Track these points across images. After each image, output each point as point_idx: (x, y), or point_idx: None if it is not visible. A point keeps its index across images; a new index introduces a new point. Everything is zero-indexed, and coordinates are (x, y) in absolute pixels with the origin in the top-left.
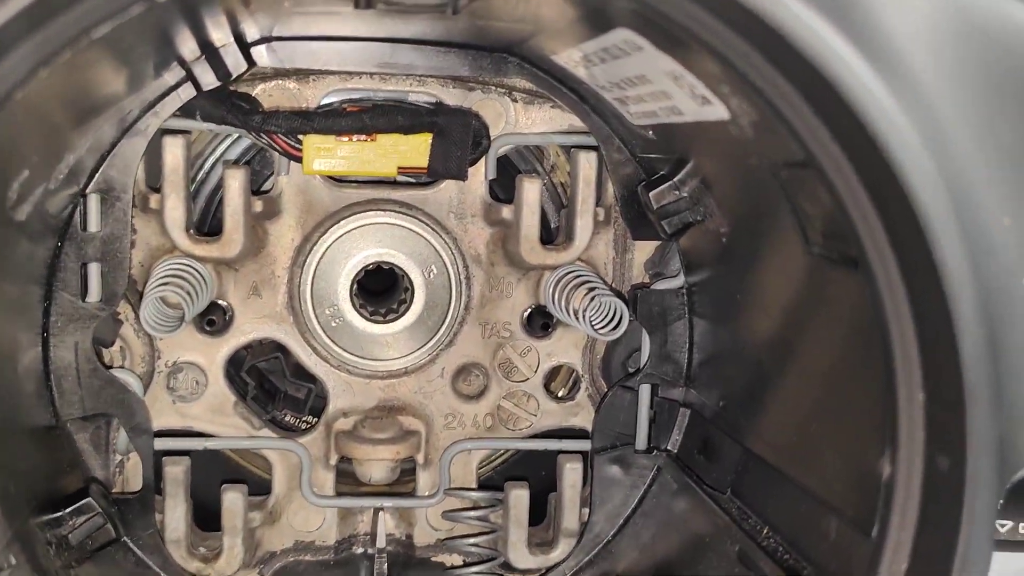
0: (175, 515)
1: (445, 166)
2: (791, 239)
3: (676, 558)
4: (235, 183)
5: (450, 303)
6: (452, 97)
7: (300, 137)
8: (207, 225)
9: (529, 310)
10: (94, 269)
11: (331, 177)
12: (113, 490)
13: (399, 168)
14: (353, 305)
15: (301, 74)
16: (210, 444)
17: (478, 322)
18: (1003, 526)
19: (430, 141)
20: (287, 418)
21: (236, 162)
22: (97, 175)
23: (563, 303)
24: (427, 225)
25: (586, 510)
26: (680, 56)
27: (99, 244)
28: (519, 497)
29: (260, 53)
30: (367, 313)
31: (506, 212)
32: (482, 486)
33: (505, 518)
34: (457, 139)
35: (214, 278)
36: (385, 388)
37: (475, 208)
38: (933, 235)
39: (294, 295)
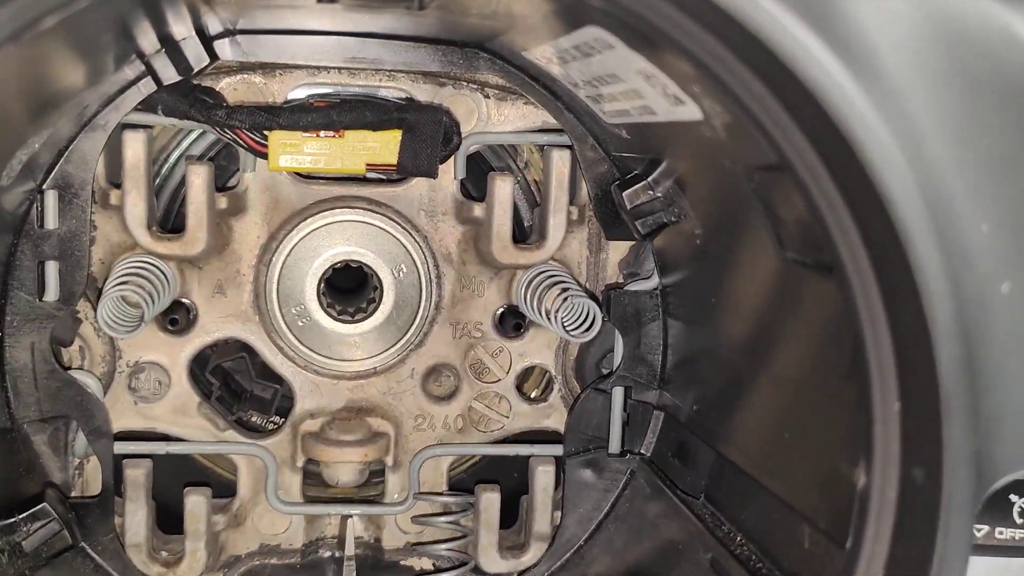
0: (136, 519)
1: (415, 163)
2: (765, 243)
3: (648, 564)
4: (198, 179)
5: (420, 302)
6: (423, 93)
7: (266, 133)
8: (171, 222)
9: (501, 310)
10: (51, 267)
11: (298, 173)
12: (72, 494)
13: (368, 165)
14: (320, 304)
15: (267, 68)
16: (172, 448)
17: (449, 322)
18: (979, 530)
19: (399, 138)
20: (253, 419)
21: (201, 158)
22: (54, 171)
23: (535, 303)
24: (397, 223)
25: (558, 513)
26: (652, 55)
27: (56, 242)
28: (490, 500)
29: (223, 47)
30: (335, 312)
31: (478, 210)
32: (453, 488)
33: (476, 522)
34: (427, 136)
35: (177, 276)
36: (353, 389)
37: (446, 206)
38: (909, 242)
39: (260, 294)
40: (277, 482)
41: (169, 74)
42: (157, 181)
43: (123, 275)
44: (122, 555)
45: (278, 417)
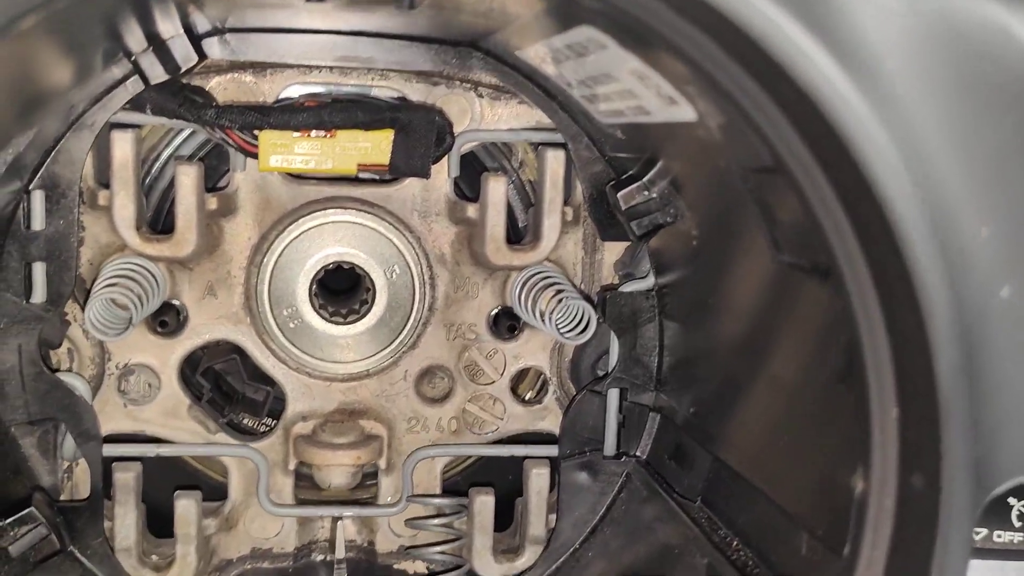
0: (126, 523)
1: (408, 163)
2: (761, 245)
3: (644, 569)
4: (187, 180)
5: (413, 304)
6: (416, 92)
7: (256, 133)
8: (161, 223)
9: (495, 311)
10: (39, 268)
11: (290, 174)
12: (61, 497)
13: (359, 165)
14: (312, 306)
15: (258, 67)
16: (163, 451)
17: (443, 323)
18: (977, 534)
19: (392, 138)
20: (244, 421)
21: (190, 158)
22: (41, 171)
23: (530, 305)
24: (389, 224)
25: (553, 516)
26: (645, 55)
27: (44, 243)
28: (484, 504)
29: (212, 45)
30: (327, 314)
31: (472, 210)
32: (447, 491)
33: (470, 525)
34: (420, 136)
35: (167, 278)
36: (346, 391)
37: (439, 206)
38: (908, 246)
39: (251, 295)
40: (269, 485)
41: (157, 73)
42: (147, 181)
43: (112, 277)
44: (112, 559)
45: (270, 419)
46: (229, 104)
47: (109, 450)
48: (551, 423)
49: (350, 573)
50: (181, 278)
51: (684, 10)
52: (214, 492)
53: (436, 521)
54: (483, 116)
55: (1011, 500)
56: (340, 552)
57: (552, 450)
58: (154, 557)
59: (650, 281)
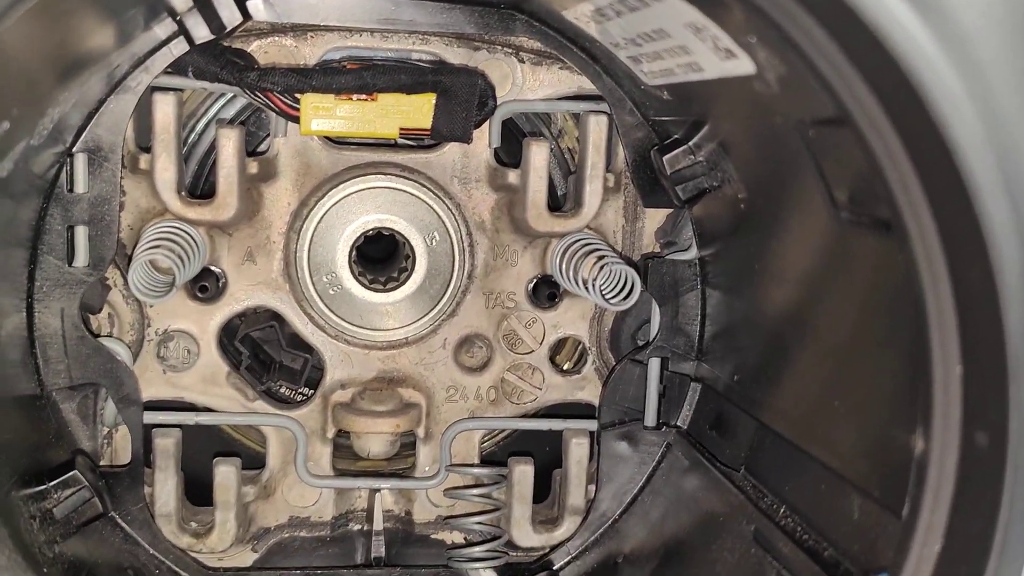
0: (165, 489)
1: (449, 128)
2: (816, 203)
3: (687, 537)
4: (229, 143)
5: (453, 271)
6: (457, 57)
7: (298, 96)
8: (200, 188)
9: (535, 279)
10: (81, 232)
11: (329, 139)
12: (101, 463)
13: (401, 129)
14: (352, 272)
15: (299, 30)
16: (201, 419)
17: (482, 292)
18: None
19: (434, 101)
20: (283, 390)
21: (231, 122)
22: (84, 133)
23: (571, 272)
24: (429, 190)
25: (592, 487)
26: (705, 6)
27: (86, 206)
28: (523, 473)
29: (256, 6)
30: (366, 281)
31: (512, 177)
32: (485, 461)
33: (509, 495)
34: (462, 99)
35: (207, 243)
36: (385, 359)
37: (480, 172)
38: (978, 197)
39: (290, 261)
40: (307, 453)
41: (201, 33)
42: (185, 147)
43: (154, 239)
44: (151, 525)
45: (308, 388)
46: (271, 66)
47: (149, 417)
48: (590, 393)
49: (388, 543)
50: (220, 243)
51: None
52: (252, 461)
53: (474, 491)
54: (524, 82)
55: None
56: (378, 523)
57: (591, 422)
58: (193, 524)
59: (693, 251)
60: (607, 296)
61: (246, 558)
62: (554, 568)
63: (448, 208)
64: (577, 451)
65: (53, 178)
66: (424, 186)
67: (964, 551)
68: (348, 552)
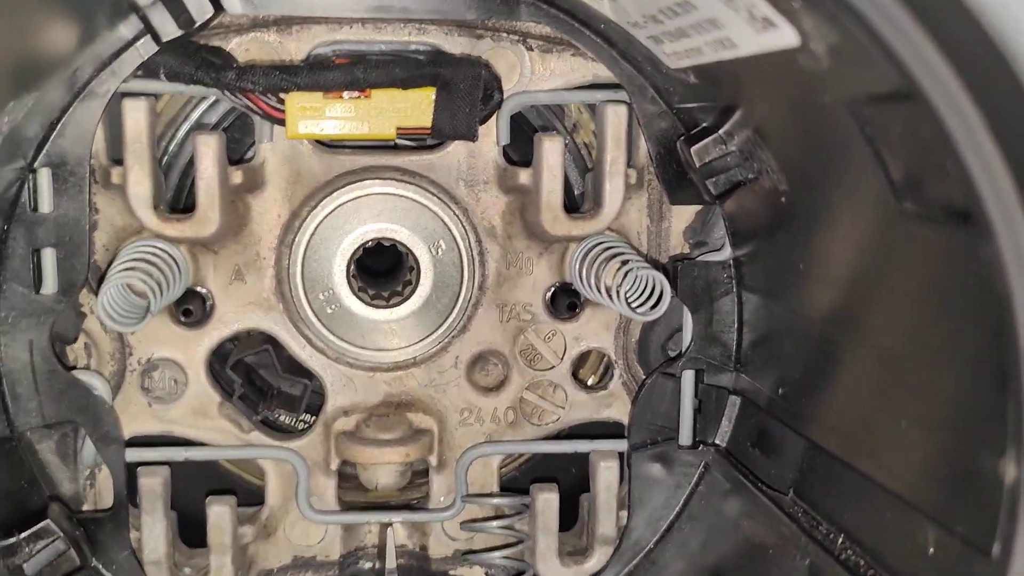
0: (154, 533)
1: (452, 125)
2: (872, 193)
3: (731, 570)
4: (208, 151)
5: (462, 283)
6: (458, 47)
7: (282, 96)
8: (183, 202)
9: (553, 288)
10: (48, 255)
11: (321, 142)
12: (84, 506)
13: (399, 129)
14: (351, 288)
15: (282, 24)
16: (192, 454)
17: (495, 304)
18: None
19: (433, 96)
20: (281, 418)
21: (213, 128)
22: (47, 146)
23: (592, 279)
24: (433, 195)
25: (624, 513)
26: None
27: (53, 226)
28: (547, 502)
29: None
30: (367, 297)
31: (524, 177)
32: (505, 488)
33: (532, 525)
34: (464, 93)
35: (189, 262)
36: (391, 382)
37: (488, 173)
38: None
39: (283, 279)
40: (309, 488)
41: (168, 29)
42: (165, 159)
43: (128, 261)
44: (140, 574)
45: (308, 416)
46: (251, 64)
47: (133, 454)
48: (618, 410)
49: None
50: (205, 262)
51: None
52: (250, 496)
53: (495, 523)
54: (533, 71)
55: None
56: (391, 560)
57: (620, 442)
58: (187, 570)
59: (727, 250)
60: (633, 304)
61: None
62: None
63: (454, 214)
64: (606, 475)
65: (14, 197)
66: (427, 190)
67: None
68: None
